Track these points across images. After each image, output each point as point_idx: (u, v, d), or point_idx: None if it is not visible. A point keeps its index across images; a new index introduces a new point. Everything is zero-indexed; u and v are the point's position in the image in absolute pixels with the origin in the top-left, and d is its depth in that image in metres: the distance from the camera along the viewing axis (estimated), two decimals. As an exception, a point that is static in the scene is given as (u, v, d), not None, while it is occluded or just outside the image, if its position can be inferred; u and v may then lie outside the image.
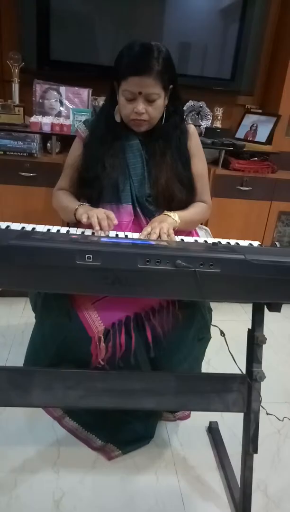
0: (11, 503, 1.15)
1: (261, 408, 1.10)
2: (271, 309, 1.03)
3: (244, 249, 1.04)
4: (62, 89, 2.11)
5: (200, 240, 1.22)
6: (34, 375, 1.07)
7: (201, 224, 1.45)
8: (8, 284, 0.94)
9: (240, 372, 1.09)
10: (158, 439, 1.41)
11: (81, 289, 0.96)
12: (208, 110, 2.31)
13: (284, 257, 0.94)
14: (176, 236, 1.15)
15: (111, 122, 1.26)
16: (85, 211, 1.15)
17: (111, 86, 1.23)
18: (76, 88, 2.11)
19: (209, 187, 1.41)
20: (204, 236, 1.37)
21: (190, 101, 2.29)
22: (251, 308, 1.09)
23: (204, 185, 1.36)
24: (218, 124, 2.30)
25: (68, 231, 1.09)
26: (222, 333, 1.02)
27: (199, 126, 2.26)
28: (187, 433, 1.46)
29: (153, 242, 1.01)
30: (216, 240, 1.17)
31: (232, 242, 1.13)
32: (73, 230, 1.11)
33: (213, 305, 1.31)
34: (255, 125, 2.29)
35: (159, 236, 1.10)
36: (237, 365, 1.07)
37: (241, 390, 1.09)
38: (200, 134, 1.77)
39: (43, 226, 1.10)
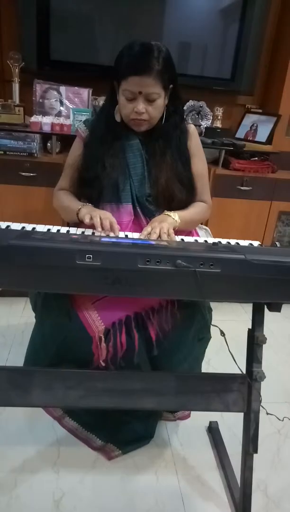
0: (11, 503, 1.15)
1: (261, 408, 1.10)
2: (271, 309, 1.02)
3: (244, 249, 1.04)
4: (62, 89, 2.11)
5: (200, 240, 1.22)
6: (34, 375, 1.07)
7: (201, 224, 1.45)
8: (8, 284, 0.94)
9: (240, 372, 1.09)
10: (158, 439, 1.41)
11: (81, 289, 0.96)
12: (208, 110, 2.31)
13: (284, 257, 0.94)
14: (176, 236, 1.15)
15: (111, 122, 1.26)
16: (88, 212, 1.16)
17: (111, 86, 1.23)
18: (76, 88, 2.11)
19: (209, 187, 1.41)
20: (204, 236, 1.37)
21: (190, 101, 2.29)
22: (251, 308, 1.09)
23: (204, 185, 1.36)
24: (218, 124, 2.30)
25: (68, 231, 1.09)
26: (222, 333, 1.02)
27: (199, 126, 2.25)
28: (187, 433, 1.46)
29: (153, 242, 1.01)
30: (216, 240, 1.17)
31: (232, 242, 1.13)
32: (73, 230, 1.11)
33: (213, 305, 1.31)
34: (255, 125, 2.29)
35: (159, 236, 1.10)
36: (237, 365, 1.07)
37: (241, 390, 1.09)
38: (200, 134, 1.77)
39: (43, 226, 1.10)
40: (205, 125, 2.29)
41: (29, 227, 1.08)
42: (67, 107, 2.11)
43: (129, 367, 1.12)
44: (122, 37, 2.08)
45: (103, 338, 1.10)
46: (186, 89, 1.47)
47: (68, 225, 1.32)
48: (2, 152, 1.90)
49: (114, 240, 1.00)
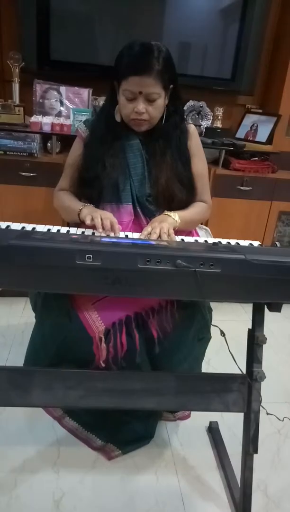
0: (11, 503, 1.15)
1: (261, 408, 1.10)
2: (271, 309, 1.03)
3: (245, 249, 1.04)
4: (62, 89, 2.11)
5: (200, 240, 1.22)
6: (34, 375, 1.07)
7: (201, 224, 1.45)
8: (8, 284, 0.94)
9: (240, 372, 1.09)
10: (158, 439, 1.41)
11: (81, 289, 0.96)
12: (208, 110, 2.31)
13: (284, 257, 0.94)
14: (176, 236, 1.15)
15: (111, 122, 1.26)
16: (89, 212, 1.16)
17: (112, 86, 1.23)
18: (76, 88, 2.11)
19: (209, 187, 1.41)
20: (204, 236, 1.37)
21: (190, 101, 2.29)
22: (251, 308, 1.09)
23: (204, 185, 1.36)
24: (218, 124, 2.30)
25: (68, 231, 1.09)
26: (222, 333, 1.02)
27: (200, 126, 2.25)
28: (187, 433, 1.46)
29: (153, 242, 1.01)
30: (216, 240, 1.17)
31: (232, 242, 1.13)
32: (73, 230, 1.11)
33: (213, 305, 1.31)
34: (255, 125, 2.29)
35: (160, 236, 1.10)
36: (237, 365, 1.07)
37: (241, 390, 1.09)
38: (200, 134, 1.77)
39: (43, 226, 1.10)
40: (205, 125, 2.29)
41: (29, 227, 1.08)
42: (67, 107, 2.11)
43: (130, 367, 1.12)
44: (122, 37, 2.08)
45: (103, 339, 1.10)
46: (186, 89, 1.47)
47: (68, 225, 1.32)
48: (2, 152, 1.90)
49: (114, 240, 1.00)
